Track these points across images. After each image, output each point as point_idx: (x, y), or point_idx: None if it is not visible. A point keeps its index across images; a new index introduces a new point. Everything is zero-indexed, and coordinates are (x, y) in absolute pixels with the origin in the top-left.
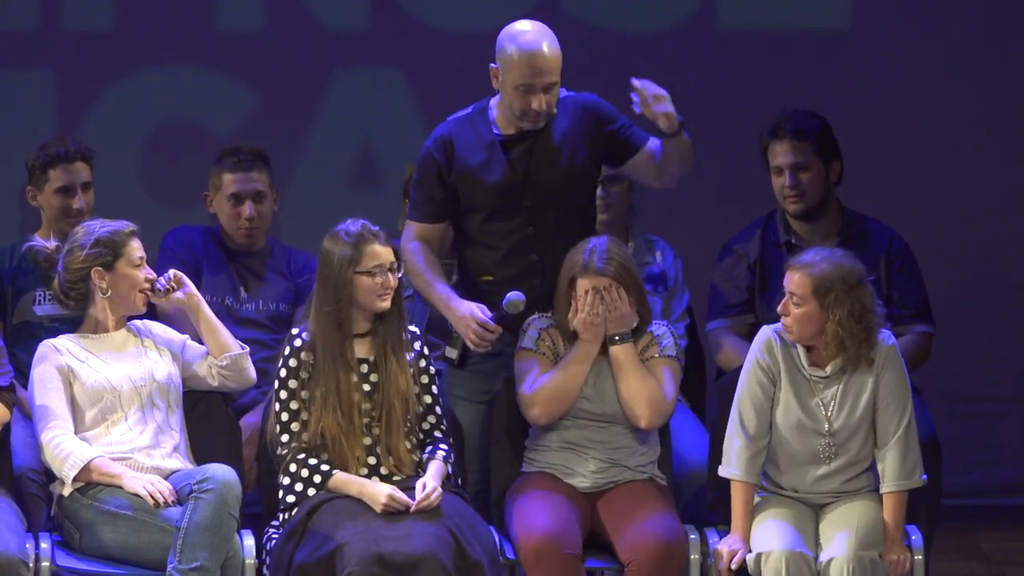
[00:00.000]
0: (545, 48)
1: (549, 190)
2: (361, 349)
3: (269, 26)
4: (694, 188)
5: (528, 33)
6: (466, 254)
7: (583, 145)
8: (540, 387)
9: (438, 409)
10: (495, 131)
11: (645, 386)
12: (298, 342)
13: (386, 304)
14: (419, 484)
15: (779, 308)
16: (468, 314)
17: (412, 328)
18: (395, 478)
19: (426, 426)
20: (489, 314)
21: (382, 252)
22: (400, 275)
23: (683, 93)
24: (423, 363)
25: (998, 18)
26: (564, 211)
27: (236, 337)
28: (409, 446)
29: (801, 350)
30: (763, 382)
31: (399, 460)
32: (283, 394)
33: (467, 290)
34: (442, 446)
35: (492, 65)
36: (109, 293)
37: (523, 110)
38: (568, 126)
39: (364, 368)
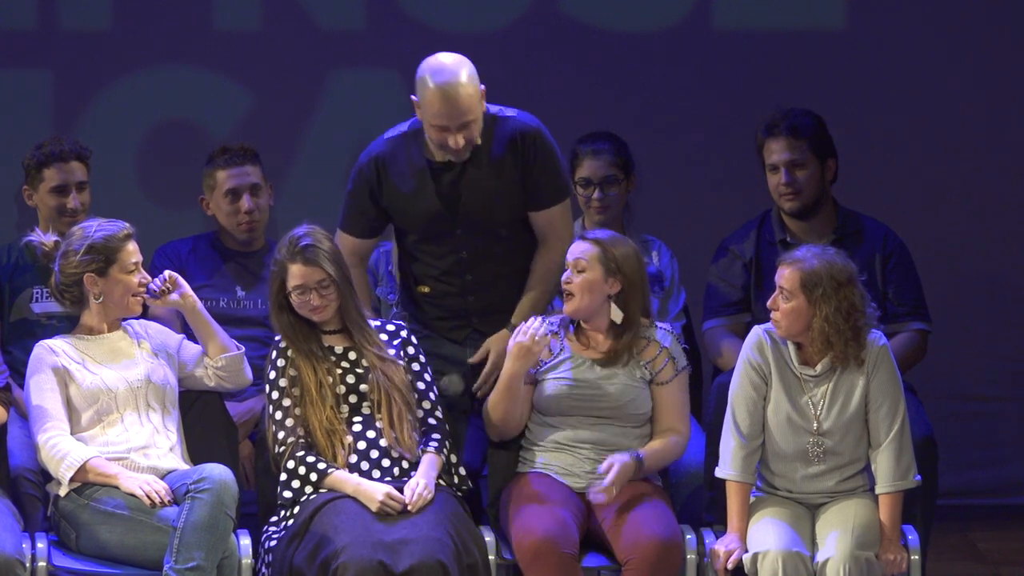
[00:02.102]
0: (460, 90)
1: (479, 218)
2: (341, 340)
3: (266, 26)
4: (691, 188)
5: (445, 72)
6: (404, 263)
7: (513, 171)
8: (484, 408)
9: (431, 395)
10: (426, 157)
11: (672, 456)
12: (284, 343)
13: (321, 317)
14: (408, 486)
15: (768, 302)
16: None
17: (397, 321)
18: (404, 463)
19: (420, 413)
20: None
21: (302, 272)
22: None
23: (679, 93)
24: (411, 350)
25: (995, 16)
26: (496, 234)
27: (234, 335)
28: (415, 434)
29: (791, 348)
30: (755, 381)
31: (404, 443)
32: (274, 394)
33: (406, 298)
34: (435, 435)
35: (413, 97)
36: (102, 299)
37: (440, 145)
38: (501, 153)
39: (352, 355)
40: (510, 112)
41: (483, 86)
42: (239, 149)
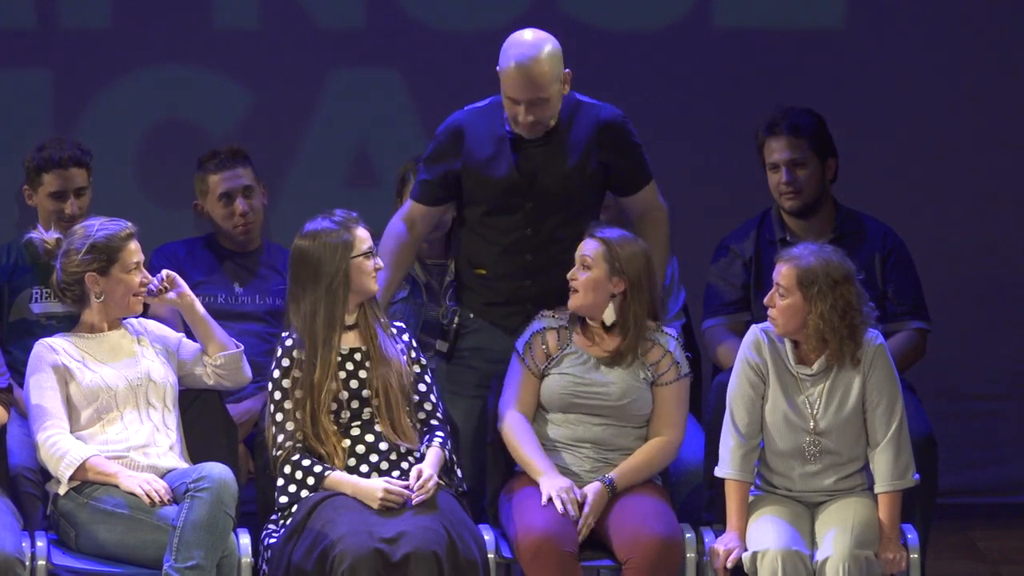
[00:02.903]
0: (535, 67)
1: (552, 195)
2: (352, 340)
3: (265, 25)
4: (690, 187)
5: (524, 46)
6: (464, 243)
7: (593, 159)
8: (505, 433)
9: (432, 398)
10: (507, 128)
11: (658, 464)
12: (289, 342)
13: (376, 286)
14: (414, 472)
15: (766, 299)
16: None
17: (399, 323)
18: (403, 465)
19: (422, 415)
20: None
21: (367, 235)
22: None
23: (679, 91)
24: (413, 354)
25: (994, 16)
26: (565, 217)
27: (233, 331)
28: (410, 420)
29: (788, 347)
30: (753, 380)
31: (403, 431)
32: (277, 394)
33: (461, 280)
34: (439, 433)
35: (497, 68)
36: (103, 298)
37: (512, 118)
38: (584, 136)
39: (358, 356)
40: (593, 101)
41: (568, 70)
42: (228, 152)
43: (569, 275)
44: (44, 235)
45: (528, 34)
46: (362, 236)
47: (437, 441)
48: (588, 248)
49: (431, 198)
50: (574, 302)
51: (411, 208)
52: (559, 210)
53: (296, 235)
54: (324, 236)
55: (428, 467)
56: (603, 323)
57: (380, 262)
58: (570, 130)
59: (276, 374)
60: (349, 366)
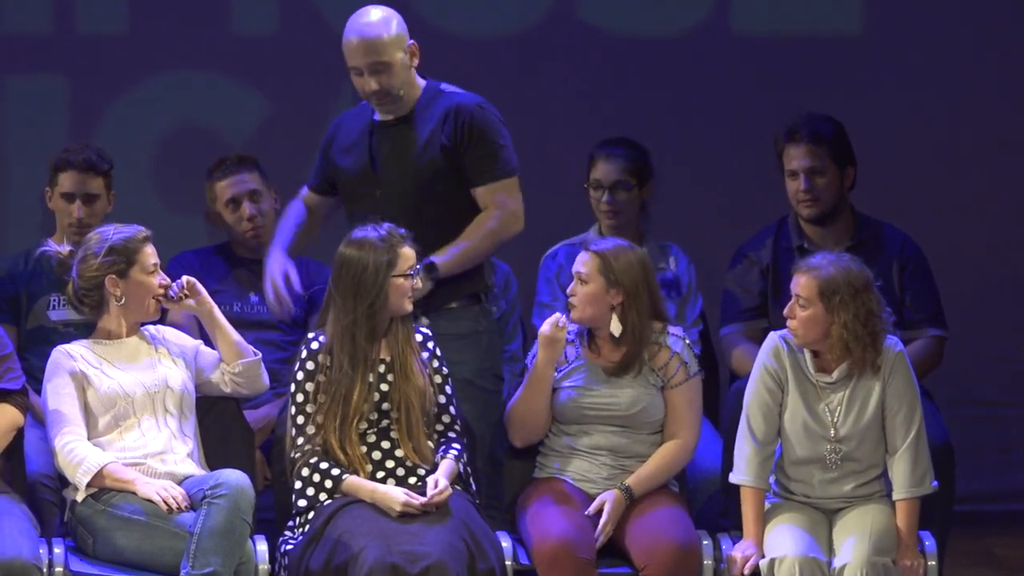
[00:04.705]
0: (368, 30)
1: (397, 181)
2: (380, 350)
3: (283, 31)
4: (708, 193)
5: (360, 15)
6: None
7: (437, 143)
8: (507, 412)
9: (452, 409)
10: (375, 116)
11: (674, 467)
12: (315, 345)
13: (411, 306)
14: (430, 481)
15: (785, 311)
16: (269, 271)
17: (424, 329)
18: (420, 471)
19: (440, 427)
20: (292, 286)
21: (412, 254)
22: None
23: (695, 97)
24: (436, 363)
25: (1010, 21)
26: (413, 205)
27: (249, 339)
28: (430, 443)
29: (808, 355)
30: (771, 387)
31: (420, 451)
32: (299, 397)
33: None
34: (455, 445)
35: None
36: (123, 301)
37: (363, 92)
38: (432, 123)
39: (382, 368)
40: (457, 90)
41: (412, 41)
42: (235, 158)
43: (568, 290)
44: (57, 247)
45: (369, 7)
46: (406, 255)
47: (452, 454)
48: (582, 262)
49: (312, 183)
50: (574, 316)
51: (305, 194)
52: (406, 197)
53: (344, 240)
54: (369, 250)
55: (442, 477)
56: (611, 335)
57: (419, 282)
58: (423, 116)
59: (300, 376)
60: (371, 377)
